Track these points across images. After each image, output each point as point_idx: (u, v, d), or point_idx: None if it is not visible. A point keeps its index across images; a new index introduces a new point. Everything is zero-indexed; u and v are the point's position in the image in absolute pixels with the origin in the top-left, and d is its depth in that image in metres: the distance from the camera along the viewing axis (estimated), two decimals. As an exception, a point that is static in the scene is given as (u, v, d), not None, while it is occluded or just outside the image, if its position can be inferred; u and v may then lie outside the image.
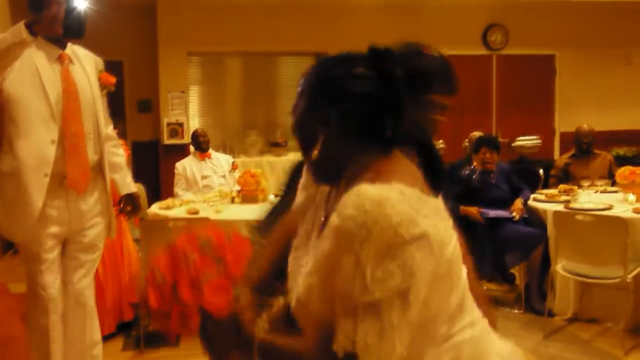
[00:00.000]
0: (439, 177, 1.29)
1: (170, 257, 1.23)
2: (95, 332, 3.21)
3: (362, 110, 1.26)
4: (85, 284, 3.15)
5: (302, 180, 1.50)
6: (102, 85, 3.22)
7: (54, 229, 3.03)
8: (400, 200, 1.11)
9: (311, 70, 1.34)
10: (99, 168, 3.18)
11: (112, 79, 3.26)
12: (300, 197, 1.49)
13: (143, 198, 5.92)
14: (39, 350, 3.05)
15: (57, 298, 3.04)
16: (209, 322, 1.24)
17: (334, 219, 1.13)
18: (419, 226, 1.10)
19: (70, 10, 2.83)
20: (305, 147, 1.32)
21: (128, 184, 3.44)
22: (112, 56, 3.22)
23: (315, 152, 1.29)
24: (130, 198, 3.43)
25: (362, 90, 1.27)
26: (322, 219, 1.36)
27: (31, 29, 2.73)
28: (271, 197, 5.19)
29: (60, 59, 3.03)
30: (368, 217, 1.08)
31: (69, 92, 3.02)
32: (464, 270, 1.27)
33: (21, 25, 2.72)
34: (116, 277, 4.39)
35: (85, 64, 3.13)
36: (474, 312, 1.31)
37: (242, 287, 1.29)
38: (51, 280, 3.02)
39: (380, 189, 1.12)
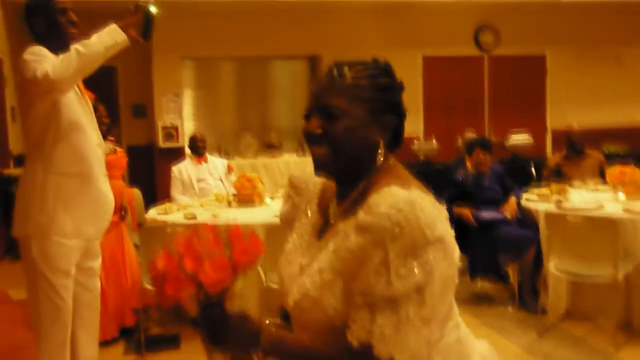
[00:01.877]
0: None
1: (189, 235, 1.32)
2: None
3: (398, 119, 1.40)
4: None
5: (286, 191, 1.59)
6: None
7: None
8: (426, 204, 1.21)
9: (361, 77, 1.36)
10: None
11: (91, 95, 3.25)
12: (285, 206, 1.59)
13: (140, 202, 5.97)
14: None
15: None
16: (214, 309, 1.30)
17: (365, 217, 1.20)
18: (439, 230, 1.21)
19: (148, 16, 2.87)
20: (351, 150, 1.35)
21: None
22: (106, 62, 3.26)
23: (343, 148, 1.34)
24: None
25: (400, 100, 1.40)
26: (322, 224, 1.44)
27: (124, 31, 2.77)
28: (268, 200, 5.26)
29: None
30: (401, 215, 1.17)
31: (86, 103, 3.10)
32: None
33: (115, 27, 2.76)
34: (118, 283, 4.44)
35: None
36: (457, 315, 1.41)
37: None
38: (70, 294, 3.02)
39: (410, 192, 1.22)
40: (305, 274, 1.35)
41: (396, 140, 1.41)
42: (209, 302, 1.30)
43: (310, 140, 1.37)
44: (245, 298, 4.16)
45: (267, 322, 1.49)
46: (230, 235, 1.33)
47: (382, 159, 1.35)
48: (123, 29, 2.78)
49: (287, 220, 1.57)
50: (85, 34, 2.79)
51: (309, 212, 1.50)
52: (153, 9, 2.89)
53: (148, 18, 2.87)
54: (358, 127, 1.34)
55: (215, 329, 1.31)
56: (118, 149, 4.72)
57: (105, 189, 3.01)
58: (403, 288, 1.17)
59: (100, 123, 4.06)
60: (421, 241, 1.18)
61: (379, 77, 1.37)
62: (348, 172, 1.39)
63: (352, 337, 1.20)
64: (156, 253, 1.33)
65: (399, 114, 1.39)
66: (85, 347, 3.22)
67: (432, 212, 1.20)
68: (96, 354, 3.35)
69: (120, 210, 4.46)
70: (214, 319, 1.31)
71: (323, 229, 1.42)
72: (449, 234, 1.25)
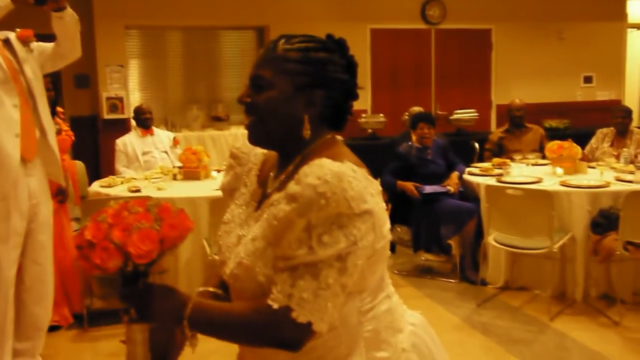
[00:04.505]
0: None
1: (118, 207, 1.33)
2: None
3: (337, 96, 1.39)
4: None
5: (228, 162, 1.60)
6: (23, 42, 3.22)
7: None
8: (355, 177, 1.22)
9: (291, 50, 1.36)
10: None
11: (29, 31, 3.25)
12: (227, 176, 1.60)
13: (83, 175, 5.86)
14: None
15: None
16: (140, 281, 1.32)
17: (294, 187, 1.22)
18: (367, 203, 1.23)
19: None
20: (273, 122, 1.36)
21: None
22: (47, 30, 3.22)
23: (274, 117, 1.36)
24: None
25: (339, 77, 1.39)
26: (260, 194, 1.45)
27: None
28: (214, 174, 5.24)
29: None
30: (328, 187, 1.19)
31: (10, 67, 3.07)
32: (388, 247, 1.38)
33: None
34: (60, 271, 4.28)
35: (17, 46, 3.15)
36: (389, 286, 1.45)
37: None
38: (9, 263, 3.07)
39: (339, 165, 1.23)
40: (241, 243, 1.37)
41: (337, 115, 1.41)
42: (135, 274, 1.31)
43: (244, 109, 1.39)
44: (172, 276, 4.20)
45: (201, 289, 1.53)
46: (159, 211, 1.34)
47: (308, 133, 1.36)
48: None
49: (228, 191, 1.58)
50: None
51: (247, 182, 1.52)
52: None
53: None
54: (281, 100, 1.35)
55: (140, 301, 1.32)
56: (64, 127, 4.55)
57: (9, 149, 2.98)
58: (325, 255, 1.19)
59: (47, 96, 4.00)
60: (347, 213, 1.20)
61: (313, 51, 1.36)
62: (276, 144, 1.41)
63: (272, 300, 1.22)
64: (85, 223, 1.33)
65: (337, 90, 1.38)
66: (41, 318, 3.31)
67: (360, 186, 1.22)
68: (46, 324, 3.37)
69: (58, 194, 4.33)
70: (139, 291, 1.32)
71: (261, 199, 1.44)
72: (380, 207, 1.28)
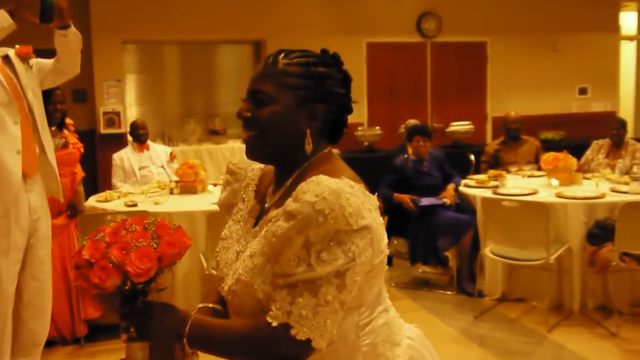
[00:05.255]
0: None
1: (116, 226, 1.35)
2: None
3: (336, 109, 1.41)
4: None
5: (225, 177, 1.61)
6: (22, 58, 3.23)
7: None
8: (352, 194, 1.24)
9: (292, 64, 1.38)
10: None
11: (28, 47, 3.26)
12: (224, 192, 1.61)
13: (80, 191, 5.86)
14: None
15: None
16: (140, 300, 1.32)
17: (292, 204, 1.23)
18: (365, 218, 1.24)
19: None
20: (276, 136, 1.37)
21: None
22: (44, 44, 3.25)
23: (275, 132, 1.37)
24: None
25: (337, 91, 1.41)
26: (259, 210, 1.46)
27: (13, 15, 2.88)
28: (210, 187, 5.24)
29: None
30: (326, 204, 1.20)
31: (10, 83, 3.09)
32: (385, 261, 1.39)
33: (4, 12, 2.87)
34: (67, 287, 4.28)
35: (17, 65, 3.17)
36: (387, 299, 1.46)
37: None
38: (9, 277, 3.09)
39: (337, 181, 1.24)
40: (239, 259, 1.37)
41: (335, 130, 1.43)
42: (133, 292, 1.31)
43: (243, 124, 1.40)
44: (169, 291, 4.19)
45: (201, 305, 1.52)
46: (157, 228, 1.35)
47: (310, 147, 1.37)
48: (16, 11, 2.89)
49: (226, 207, 1.59)
50: None
51: (245, 198, 1.52)
52: None
53: (45, 1, 2.94)
54: (283, 114, 1.36)
55: (139, 319, 1.33)
56: (72, 140, 4.54)
57: (11, 166, 3.00)
58: (323, 272, 1.21)
59: (53, 110, 4.03)
60: (345, 229, 1.21)
61: (313, 66, 1.38)
62: (277, 159, 1.42)
63: (271, 317, 1.23)
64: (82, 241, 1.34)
65: (336, 104, 1.40)
66: (39, 334, 3.31)
67: (358, 202, 1.23)
68: (44, 340, 3.39)
69: (68, 208, 4.34)
70: (138, 309, 1.33)
71: (260, 215, 1.44)
72: (377, 222, 1.29)
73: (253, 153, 1.41)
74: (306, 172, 1.36)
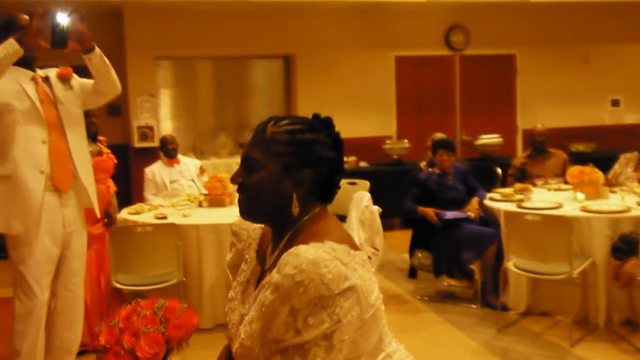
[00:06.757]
0: None
1: (129, 310, 1.49)
2: None
3: (326, 173, 1.47)
4: None
5: (231, 239, 1.69)
6: (62, 79, 3.33)
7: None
8: (332, 259, 1.30)
9: (279, 132, 1.45)
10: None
11: (68, 69, 3.37)
12: (230, 254, 1.68)
13: (114, 203, 6.03)
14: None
15: None
16: None
17: (275, 276, 1.30)
18: (349, 280, 1.30)
19: (55, 25, 3.01)
20: (263, 200, 1.45)
21: None
22: (79, 62, 3.36)
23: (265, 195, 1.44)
24: None
25: (326, 156, 1.47)
26: (260, 271, 1.53)
27: (20, 42, 2.94)
28: (238, 201, 5.34)
29: (34, 80, 3.22)
30: (305, 275, 1.27)
31: (46, 103, 3.22)
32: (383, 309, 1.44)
33: (11, 40, 2.94)
34: (98, 296, 4.42)
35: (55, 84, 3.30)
36: (391, 343, 1.49)
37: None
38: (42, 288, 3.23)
39: (315, 250, 1.30)
40: (243, 323, 1.43)
41: (324, 191, 1.48)
42: None
43: (237, 188, 1.49)
44: (197, 303, 4.21)
45: None
46: (165, 312, 1.47)
47: (297, 210, 1.43)
48: (24, 37, 2.94)
49: (233, 267, 1.65)
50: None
51: (247, 258, 1.59)
52: (62, 18, 2.99)
53: (56, 26, 2.99)
54: (269, 180, 1.43)
55: None
56: (105, 150, 4.71)
57: (31, 184, 3.11)
58: (310, 336, 1.28)
59: (89, 123, 4.18)
60: (328, 294, 1.27)
61: (300, 133, 1.44)
62: (267, 220, 1.50)
63: None
64: (99, 326, 1.50)
65: (325, 167, 1.46)
66: (70, 342, 3.44)
67: (338, 266, 1.29)
68: (76, 348, 3.51)
69: (104, 217, 4.47)
70: None
71: (261, 277, 1.50)
72: (364, 279, 1.34)
73: (245, 215, 1.50)
74: (297, 233, 1.43)
